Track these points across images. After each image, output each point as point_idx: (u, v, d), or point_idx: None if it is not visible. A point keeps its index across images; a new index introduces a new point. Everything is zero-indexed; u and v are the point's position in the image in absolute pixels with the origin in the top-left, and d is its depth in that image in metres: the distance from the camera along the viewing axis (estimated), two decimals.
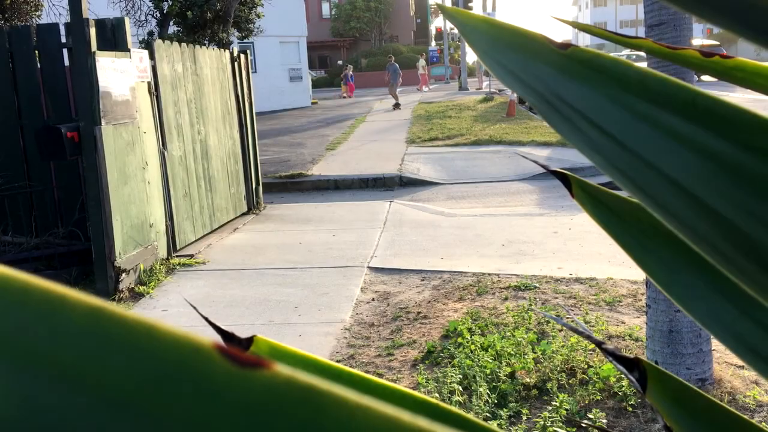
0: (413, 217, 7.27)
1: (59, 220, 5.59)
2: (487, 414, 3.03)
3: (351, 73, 34.00)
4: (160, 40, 6.08)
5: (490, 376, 3.32)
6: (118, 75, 5.13)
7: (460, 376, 3.30)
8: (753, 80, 0.44)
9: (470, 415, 0.41)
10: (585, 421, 2.93)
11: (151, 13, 12.30)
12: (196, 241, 6.40)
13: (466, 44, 0.45)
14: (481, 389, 3.15)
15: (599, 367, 3.28)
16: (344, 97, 31.56)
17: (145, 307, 4.76)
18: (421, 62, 34.40)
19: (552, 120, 0.41)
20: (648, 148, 0.37)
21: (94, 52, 4.88)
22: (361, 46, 47.74)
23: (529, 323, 3.98)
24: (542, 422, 2.85)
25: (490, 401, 3.13)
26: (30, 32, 5.44)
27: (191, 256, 5.93)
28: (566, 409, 2.94)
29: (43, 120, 5.42)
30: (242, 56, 7.86)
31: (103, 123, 4.89)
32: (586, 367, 3.36)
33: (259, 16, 13.57)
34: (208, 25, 11.81)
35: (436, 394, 3.17)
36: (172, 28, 12.27)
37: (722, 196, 0.35)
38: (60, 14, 9.19)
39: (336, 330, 4.21)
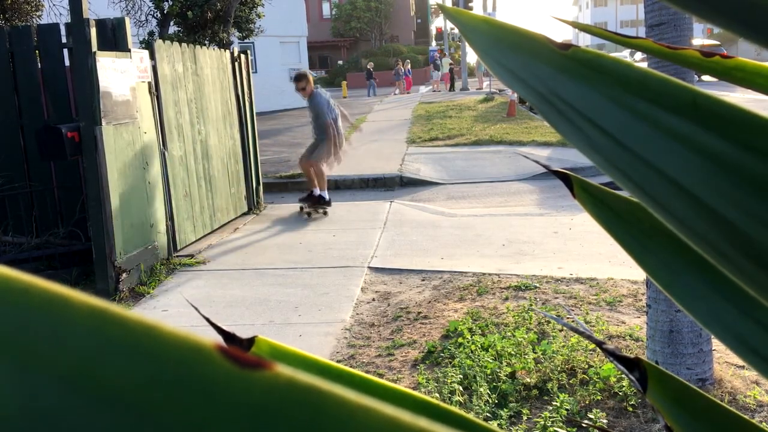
0: (413, 217, 7.27)
1: (60, 220, 5.59)
2: (488, 414, 3.03)
3: (409, 67, 33.86)
4: (160, 40, 6.08)
5: (490, 376, 3.32)
6: (119, 75, 5.13)
7: (461, 376, 3.30)
8: (753, 80, 0.44)
9: (470, 415, 0.41)
10: (585, 421, 2.92)
11: (152, 13, 12.31)
12: (196, 241, 6.40)
13: (467, 44, 0.45)
14: (481, 389, 3.15)
15: (600, 367, 3.28)
16: (397, 94, 31.60)
17: (146, 307, 4.77)
18: (447, 60, 34.30)
19: (552, 120, 0.41)
20: (648, 148, 0.37)
21: (95, 53, 4.88)
22: (362, 47, 47.74)
23: (530, 323, 3.98)
24: (542, 422, 2.85)
25: (490, 401, 3.13)
26: (30, 32, 5.44)
27: (192, 256, 5.93)
28: (567, 409, 2.94)
29: (43, 120, 5.42)
30: (242, 56, 7.86)
31: (103, 123, 4.89)
32: (586, 367, 3.36)
33: (259, 16, 13.58)
34: (209, 25, 11.81)
35: (437, 394, 3.17)
36: (173, 29, 12.27)
37: (722, 196, 0.35)
38: (60, 14, 9.20)
39: (336, 330, 4.21)
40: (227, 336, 0.43)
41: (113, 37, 5.27)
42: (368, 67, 33.30)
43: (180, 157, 6.18)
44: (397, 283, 5.08)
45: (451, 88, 32.29)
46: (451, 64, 33.90)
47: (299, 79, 7.38)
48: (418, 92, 33.17)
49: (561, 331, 3.84)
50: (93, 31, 4.95)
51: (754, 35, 0.35)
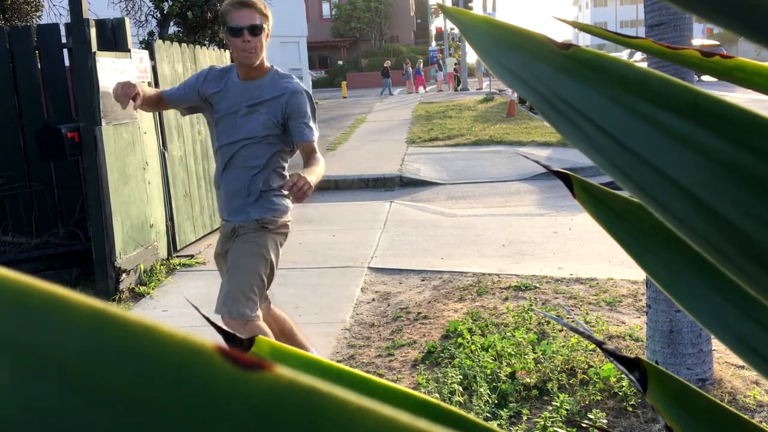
0: (413, 218, 7.27)
1: (59, 220, 5.58)
2: (488, 414, 3.03)
3: (420, 66, 33.98)
4: (160, 41, 6.08)
5: (490, 377, 3.32)
6: (119, 75, 5.13)
7: (461, 377, 3.30)
8: (753, 80, 0.44)
9: (470, 416, 0.41)
10: (585, 422, 2.92)
11: (152, 13, 12.31)
12: (196, 241, 6.40)
13: (467, 44, 0.45)
14: (481, 389, 3.15)
15: (600, 368, 3.28)
16: (410, 93, 31.88)
17: (146, 308, 4.76)
18: (452, 60, 34.42)
19: (552, 120, 0.41)
20: (648, 148, 0.37)
21: (95, 53, 4.88)
22: (361, 47, 47.74)
23: (530, 323, 3.98)
24: (542, 422, 2.85)
25: (490, 401, 3.12)
26: (30, 32, 5.44)
27: (192, 256, 5.93)
28: (566, 410, 2.94)
29: (43, 120, 5.42)
30: None
31: (103, 123, 4.89)
32: (586, 367, 3.36)
33: None
34: (209, 26, 11.81)
35: (437, 395, 3.17)
36: (173, 29, 12.26)
37: (722, 196, 0.35)
38: (60, 14, 9.20)
39: (336, 330, 4.21)
40: (227, 336, 0.43)
41: (113, 38, 5.27)
42: (385, 65, 33.41)
43: (180, 157, 6.18)
44: (397, 284, 5.08)
45: (457, 86, 32.38)
46: (456, 64, 34.01)
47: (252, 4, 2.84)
48: (418, 92, 33.24)
49: (561, 331, 3.84)
50: (93, 32, 4.95)
51: (754, 35, 0.35)
